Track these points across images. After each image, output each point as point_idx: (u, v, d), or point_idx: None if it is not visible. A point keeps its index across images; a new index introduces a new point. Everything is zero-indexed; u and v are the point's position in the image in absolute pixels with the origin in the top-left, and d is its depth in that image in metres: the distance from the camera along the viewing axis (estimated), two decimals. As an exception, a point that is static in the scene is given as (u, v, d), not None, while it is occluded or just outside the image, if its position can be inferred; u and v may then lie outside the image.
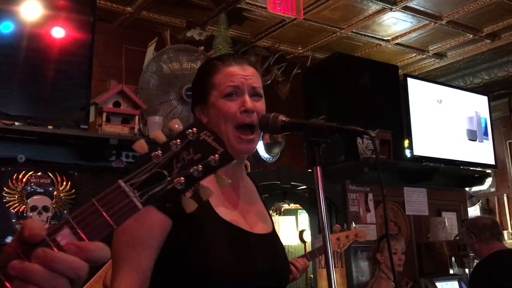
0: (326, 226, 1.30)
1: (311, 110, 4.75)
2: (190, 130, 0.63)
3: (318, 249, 2.81)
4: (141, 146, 0.62)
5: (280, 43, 5.61)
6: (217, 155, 0.63)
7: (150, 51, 3.72)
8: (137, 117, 3.25)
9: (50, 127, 3.03)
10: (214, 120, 1.34)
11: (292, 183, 4.20)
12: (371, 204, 4.44)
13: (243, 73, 1.37)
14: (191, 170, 0.62)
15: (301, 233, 6.22)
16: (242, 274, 1.24)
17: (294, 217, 6.18)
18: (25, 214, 2.97)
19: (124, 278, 1.18)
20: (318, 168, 1.31)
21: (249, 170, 5.34)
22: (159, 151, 0.61)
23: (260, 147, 5.72)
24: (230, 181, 0.73)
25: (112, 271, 1.21)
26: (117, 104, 3.23)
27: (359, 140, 4.32)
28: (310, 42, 5.64)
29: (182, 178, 0.61)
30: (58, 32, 3.19)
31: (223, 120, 1.32)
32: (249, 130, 1.34)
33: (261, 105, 1.37)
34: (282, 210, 6.05)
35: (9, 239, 2.97)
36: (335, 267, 4.40)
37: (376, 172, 4.37)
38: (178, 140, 0.62)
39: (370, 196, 4.46)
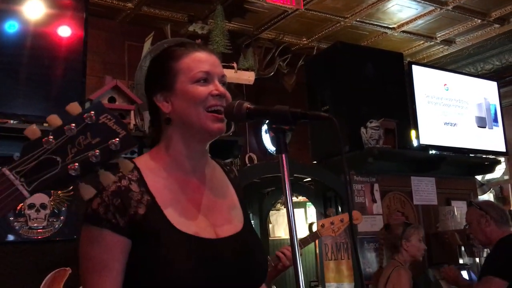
0: (292, 214, 1.26)
1: (314, 101, 4.69)
2: (87, 113, 0.59)
3: (310, 235, 2.77)
4: (32, 131, 0.59)
5: (284, 34, 5.56)
6: (117, 139, 0.60)
7: (147, 46, 3.71)
8: (132, 112, 3.23)
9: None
10: (182, 106, 1.28)
11: (295, 175, 4.15)
12: (377, 195, 4.37)
13: (211, 60, 1.34)
14: (88, 155, 0.59)
15: (310, 225, 6.17)
16: (205, 285, 1.19)
17: (303, 209, 6.14)
18: (23, 212, 2.98)
19: None
20: (283, 155, 1.27)
21: (255, 162, 5.33)
22: (51, 136, 0.58)
23: (267, 140, 5.70)
24: (114, 177, 0.69)
25: None
26: (112, 100, 3.21)
27: (363, 130, 4.25)
28: (315, 32, 5.58)
29: (76, 164, 0.58)
30: (52, 30, 3.19)
31: (193, 104, 1.27)
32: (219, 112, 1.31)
33: (228, 94, 1.34)
34: (291, 202, 5.95)
35: (9, 238, 2.99)
36: (341, 258, 4.35)
37: (381, 161, 4.32)
38: (73, 124, 0.58)
39: (376, 186, 4.39)
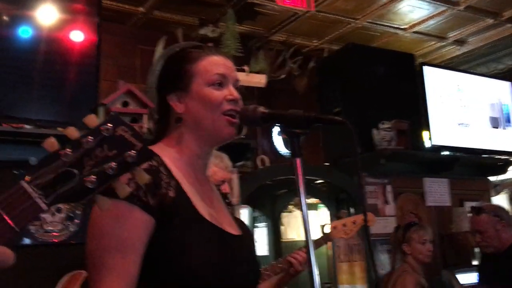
0: (307, 219, 1.27)
1: (326, 103, 4.70)
2: (105, 126, 0.61)
3: (322, 237, 2.77)
4: (50, 144, 0.61)
5: (295, 36, 5.57)
6: (134, 151, 0.61)
7: (159, 50, 3.73)
8: (145, 116, 3.26)
9: (60, 129, 3.07)
10: (196, 108, 1.29)
11: (307, 177, 4.14)
12: (389, 196, 4.37)
13: (228, 64, 1.36)
14: (105, 168, 0.60)
15: (322, 227, 6.15)
16: (226, 276, 1.19)
17: (315, 211, 6.14)
18: (38, 215, 3.01)
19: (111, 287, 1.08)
20: (298, 160, 1.28)
21: (267, 164, 5.33)
22: (68, 149, 0.60)
23: (279, 143, 5.70)
24: (149, 176, 0.70)
25: (92, 281, 1.11)
26: (125, 104, 3.25)
27: (374, 131, 4.25)
28: (326, 34, 5.57)
29: (93, 176, 0.59)
30: (67, 35, 3.23)
31: (209, 108, 1.29)
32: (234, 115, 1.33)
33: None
34: (303, 204, 5.94)
35: (25, 241, 3.03)
36: (354, 260, 4.35)
37: (394, 163, 4.31)
38: (91, 137, 0.60)
39: (389, 188, 4.39)
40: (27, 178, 0.60)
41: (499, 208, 3.40)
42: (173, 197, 1.17)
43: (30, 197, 0.58)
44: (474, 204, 4.72)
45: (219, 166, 2.33)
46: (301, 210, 1.27)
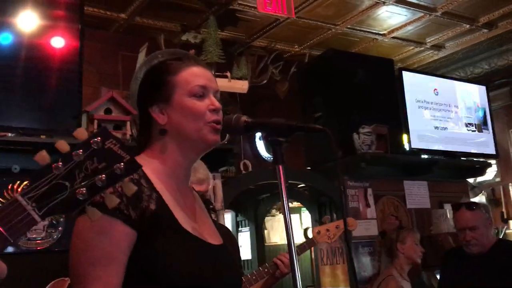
0: (290, 223, 1.31)
1: (307, 108, 4.75)
2: (95, 139, 0.64)
3: (307, 242, 2.82)
4: (42, 157, 0.64)
5: (276, 42, 5.63)
6: (122, 163, 0.65)
7: (142, 56, 3.75)
8: (128, 123, 3.27)
9: (43, 136, 3.07)
10: (179, 119, 1.30)
11: (289, 181, 4.20)
12: (370, 199, 4.43)
13: (208, 75, 1.38)
14: (95, 180, 0.64)
15: (305, 230, 6.19)
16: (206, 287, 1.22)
17: (298, 215, 6.20)
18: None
19: None
20: (280, 166, 1.32)
21: (250, 169, 5.38)
22: (60, 162, 0.63)
23: (261, 147, 5.75)
24: (135, 187, 0.74)
25: None
26: (108, 111, 3.26)
27: (355, 135, 4.32)
28: (306, 39, 5.65)
29: (84, 189, 0.63)
30: (48, 41, 3.23)
31: (192, 118, 1.30)
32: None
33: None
34: (285, 208, 6.00)
35: (8, 249, 3.02)
36: (336, 263, 4.41)
37: (374, 166, 4.38)
38: (81, 150, 0.63)
39: (370, 191, 4.45)
40: (21, 191, 0.63)
41: (486, 206, 3.40)
42: (154, 210, 1.20)
43: (25, 210, 0.61)
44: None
45: (191, 181, 2.35)
46: (284, 215, 1.31)
